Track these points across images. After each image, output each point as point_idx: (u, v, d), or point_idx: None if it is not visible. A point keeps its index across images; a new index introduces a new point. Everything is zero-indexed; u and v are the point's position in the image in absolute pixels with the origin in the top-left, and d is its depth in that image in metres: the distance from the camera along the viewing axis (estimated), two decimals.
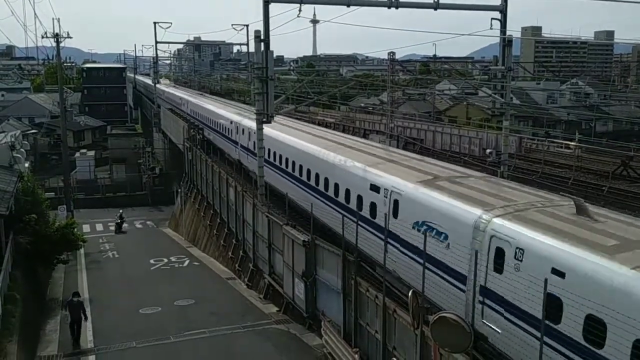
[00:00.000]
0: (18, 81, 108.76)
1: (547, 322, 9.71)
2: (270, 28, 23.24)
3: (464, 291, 12.18)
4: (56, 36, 40.91)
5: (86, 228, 43.25)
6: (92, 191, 58.16)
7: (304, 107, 58.47)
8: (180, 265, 31.72)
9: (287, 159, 24.29)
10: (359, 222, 15.83)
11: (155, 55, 73.48)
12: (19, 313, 18.51)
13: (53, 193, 48.16)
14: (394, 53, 50.26)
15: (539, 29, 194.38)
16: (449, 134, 45.47)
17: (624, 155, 33.33)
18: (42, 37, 41.75)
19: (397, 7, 24.03)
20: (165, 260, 32.33)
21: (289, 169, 23.90)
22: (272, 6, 23.01)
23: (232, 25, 66.10)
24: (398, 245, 14.78)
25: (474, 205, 12.65)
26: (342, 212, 17.57)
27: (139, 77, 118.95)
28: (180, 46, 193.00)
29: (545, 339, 9.72)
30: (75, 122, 74.67)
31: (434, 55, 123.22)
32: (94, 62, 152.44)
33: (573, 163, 35.06)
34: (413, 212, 14.27)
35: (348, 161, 18.67)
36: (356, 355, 15.48)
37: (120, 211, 45.94)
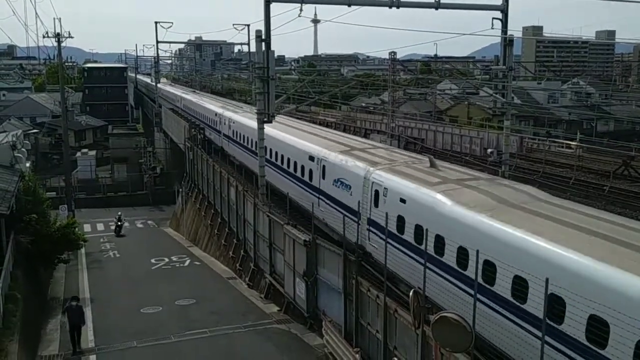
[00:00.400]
0: (19, 81, 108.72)
1: (395, 232, 15.16)
2: (272, 28, 23.28)
3: (359, 223, 17.10)
4: (57, 36, 40.91)
5: (87, 228, 43.26)
6: (93, 191, 58.18)
7: (305, 107, 58.48)
8: (181, 264, 31.74)
9: (251, 140, 29.46)
10: (302, 185, 22.25)
11: (156, 55, 73.50)
12: (20, 312, 18.51)
13: (54, 193, 48.14)
14: (395, 53, 50.29)
15: (540, 28, 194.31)
16: (450, 134, 45.47)
17: (625, 155, 33.31)
18: (44, 37, 41.54)
19: (398, 7, 24.04)
20: (166, 259, 32.34)
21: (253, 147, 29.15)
22: (273, 6, 23.05)
23: (233, 25, 66.08)
24: (325, 199, 20.13)
25: (366, 164, 18.03)
26: (292, 179, 23.63)
27: (140, 77, 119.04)
28: (182, 46, 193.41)
29: (394, 244, 15.01)
30: (76, 121, 74.63)
31: (435, 55, 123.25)
32: (96, 61, 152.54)
33: (574, 163, 35.05)
34: (333, 173, 19.56)
35: (296, 140, 24.37)
36: (357, 355, 15.48)
37: (119, 213, 44.71)
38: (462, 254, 12.73)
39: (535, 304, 10.53)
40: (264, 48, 23.22)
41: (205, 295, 24.81)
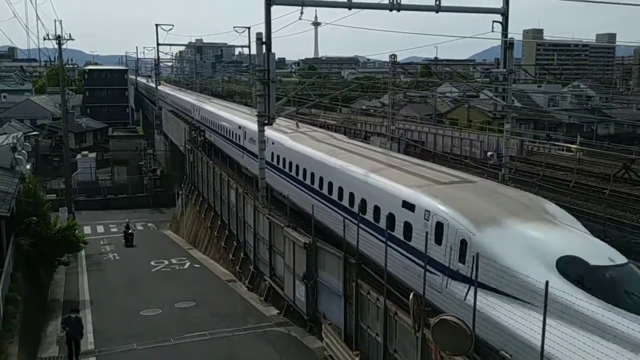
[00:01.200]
0: (20, 83, 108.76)
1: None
2: (272, 30, 23.29)
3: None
4: (58, 38, 40.96)
5: (87, 230, 43.25)
6: (93, 193, 58.18)
7: (306, 110, 58.52)
8: (181, 267, 31.72)
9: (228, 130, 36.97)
10: (268, 164, 26.05)
11: (157, 58, 73.60)
12: (20, 315, 18.51)
13: (54, 195, 48.15)
14: (395, 55, 50.34)
15: (540, 31, 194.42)
16: (450, 137, 45.49)
17: (625, 158, 33.35)
18: (44, 39, 41.55)
19: (398, 10, 24.05)
20: (166, 262, 32.33)
21: (230, 136, 36.45)
22: (274, 9, 23.06)
23: (234, 27, 66.48)
24: (277, 172, 25.87)
25: (290, 139, 25.38)
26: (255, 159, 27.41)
27: (141, 79, 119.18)
28: (182, 48, 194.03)
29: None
30: (77, 124, 74.66)
31: (436, 58, 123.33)
32: (96, 64, 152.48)
33: (574, 166, 35.05)
34: (281, 152, 25.67)
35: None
36: (357, 358, 15.48)
37: (127, 220, 41.43)
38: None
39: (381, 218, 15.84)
40: (264, 50, 23.24)
41: (205, 298, 24.79)
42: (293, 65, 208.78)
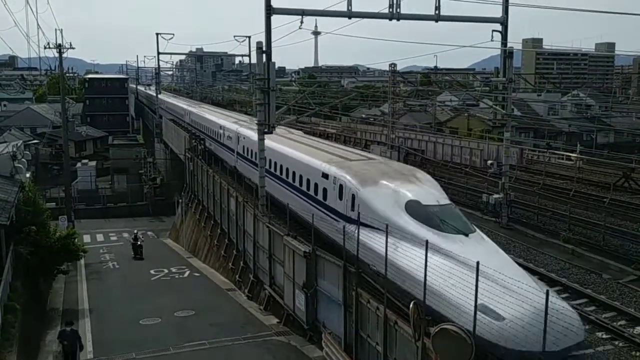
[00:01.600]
0: (20, 91, 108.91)
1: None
2: (272, 39, 23.36)
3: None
4: (59, 47, 41.03)
5: (87, 238, 43.21)
6: (93, 201, 58.12)
7: (306, 118, 58.66)
8: (181, 276, 31.66)
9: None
10: (240, 155, 33.42)
11: (157, 66, 73.83)
12: (18, 323, 18.44)
13: (54, 203, 48.14)
14: (395, 64, 50.54)
15: (539, 40, 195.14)
16: (450, 145, 45.55)
17: (625, 167, 33.37)
18: (45, 48, 41.50)
19: (398, 19, 24.17)
20: (166, 270, 32.26)
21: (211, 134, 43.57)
22: (274, 18, 23.15)
23: (234, 36, 66.59)
24: (245, 161, 31.81)
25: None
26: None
27: (141, 88, 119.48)
28: (183, 57, 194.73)
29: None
30: (77, 132, 74.74)
31: (435, 67, 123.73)
32: (97, 72, 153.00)
33: (574, 174, 35.07)
34: (246, 144, 31.61)
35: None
36: None
37: (135, 231, 39.06)
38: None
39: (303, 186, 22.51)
40: (264, 59, 23.31)
41: (205, 307, 24.70)
42: (293, 74, 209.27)
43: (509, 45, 26.36)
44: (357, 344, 16.35)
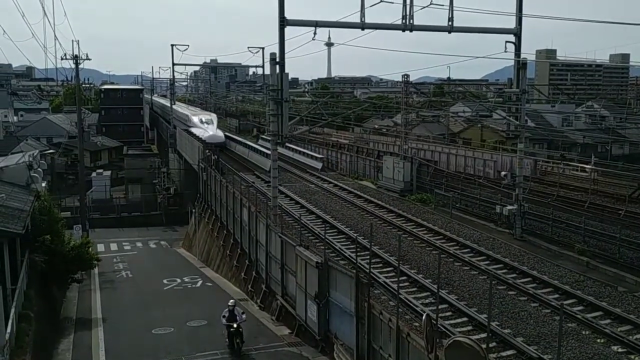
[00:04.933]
0: (37, 102, 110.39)
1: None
2: (286, 51, 23.53)
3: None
4: (75, 58, 41.53)
5: (101, 247, 43.47)
6: (107, 211, 58.56)
7: (318, 128, 58.82)
8: (194, 285, 31.71)
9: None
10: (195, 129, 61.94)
11: (172, 77, 74.45)
12: (32, 332, 18.57)
13: (69, 212, 48.50)
14: (408, 75, 50.48)
15: (553, 51, 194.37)
16: (463, 156, 45.36)
17: None
18: (62, 59, 42.07)
19: (411, 30, 24.24)
20: (179, 280, 32.35)
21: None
22: (288, 29, 23.31)
23: (248, 47, 66.67)
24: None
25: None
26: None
27: (156, 99, 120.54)
28: (197, 68, 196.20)
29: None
30: (92, 142, 75.54)
31: (448, 78, 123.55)
32: (112, 83, 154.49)
33: (589, 186, 34.77)
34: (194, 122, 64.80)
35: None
36: None
37: (232, 302, 21.14)
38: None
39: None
40: (278, 70, 23.45)
41: (217, 317, 24.67)
42: (306, 85, 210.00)
43: (522, 56, 26.30)
44: (369, 355, 16.26)
